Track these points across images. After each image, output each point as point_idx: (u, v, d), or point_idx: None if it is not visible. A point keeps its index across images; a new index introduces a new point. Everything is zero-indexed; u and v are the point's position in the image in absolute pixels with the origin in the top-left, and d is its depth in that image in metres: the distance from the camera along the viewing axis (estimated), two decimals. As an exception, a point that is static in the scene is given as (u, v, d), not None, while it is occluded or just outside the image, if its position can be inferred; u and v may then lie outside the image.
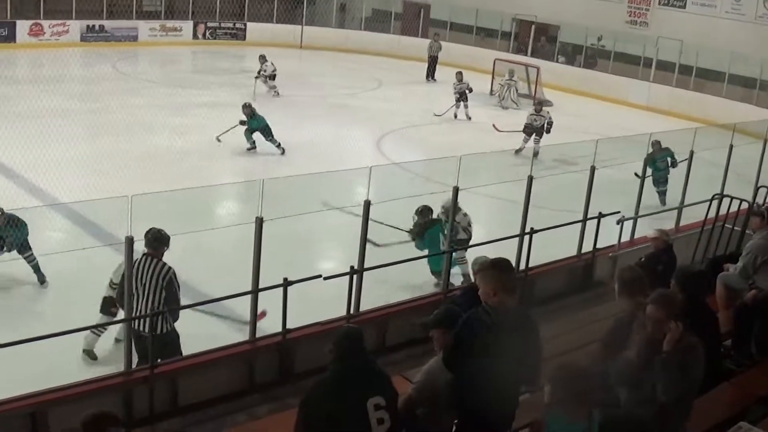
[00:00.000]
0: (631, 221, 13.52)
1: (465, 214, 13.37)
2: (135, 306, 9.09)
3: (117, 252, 12.37)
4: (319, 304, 10.61)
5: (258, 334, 9.69)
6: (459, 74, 27.83)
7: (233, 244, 12.63)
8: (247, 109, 21.87)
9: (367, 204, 10.20)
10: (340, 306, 10.37)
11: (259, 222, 9.11)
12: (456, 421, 6.39)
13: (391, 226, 13.18)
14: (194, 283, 11.90)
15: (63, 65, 32.53)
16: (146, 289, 9.25)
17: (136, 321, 9.12)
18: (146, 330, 9.07)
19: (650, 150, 16.59)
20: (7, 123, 21.57)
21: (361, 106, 28.49)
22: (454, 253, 12.13)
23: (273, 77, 28.98)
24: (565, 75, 34.29)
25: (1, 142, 19.31)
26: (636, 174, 14.20)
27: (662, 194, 18.33)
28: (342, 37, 40.12)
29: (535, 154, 21.60)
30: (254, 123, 21.73)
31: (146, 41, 37.40)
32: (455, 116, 27.16)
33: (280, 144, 21.92)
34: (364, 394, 5.71)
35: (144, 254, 9.28)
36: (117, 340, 10.67)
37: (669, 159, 18.20)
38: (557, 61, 35.86)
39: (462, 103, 27.34)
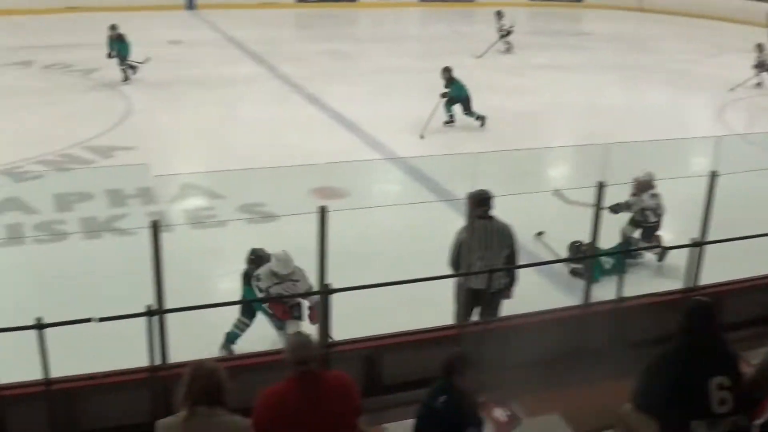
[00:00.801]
0: None
1: (654, 195, 11.97)
2: (475, 264, 9.16)
3: (452, 209, 12.73)
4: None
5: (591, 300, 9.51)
6: (759, 45, 25.71)
7: (562, 208, 12.49)
8: (447, 73, 19.22)
9: (713, 175, 9.71)
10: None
11: (600, 186, 8.90)
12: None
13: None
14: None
15: (402, 25, 33.56)
16: (488, 249, 9.29)
17: (474, 279, 9.17)
18: (484, 287, 9.14)
19: None
20: (351, 80, 22.59)
21: (702, 72, 27.27)
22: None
23: (508, 34, 27.98)
24: None
25: (345, 98, 20.33)
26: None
27: None
28: (684, 1, 38.53)
29: None
30: (454, 91, 19.12)
31: (482, 2, 37.71)
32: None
33: (479, 116, 19.29)
34: (708, 372, 5.43)
35: (477, 216, 9.28)
36: None
37: None
38: None
39: (764, 73, 25.05)
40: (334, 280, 7.93)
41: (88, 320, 7.13)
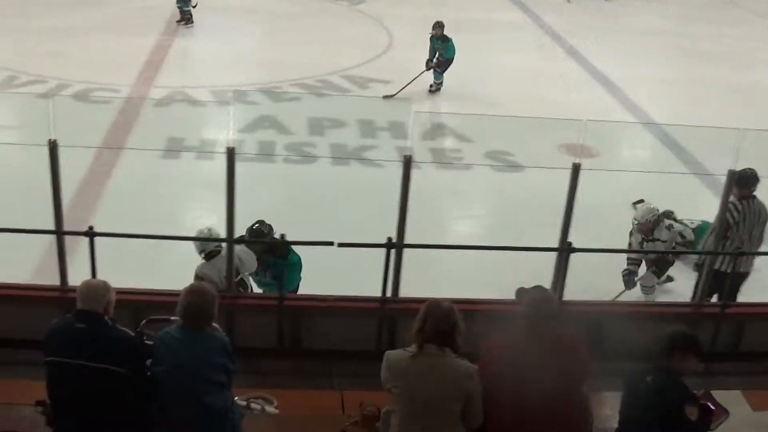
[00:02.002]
0: None
1: (669, 227, 9.89)
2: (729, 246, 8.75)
3: (703, 183, 12.24)
4: None
5: None
6: None
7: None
8: (440, 29, 16.92)
9: None
10: None
11: None
12: None
13: None
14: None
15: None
16: (747, 231, 8.84)
17: (718, 260, 8.76)
18: (724, 269, 8.71)
19: None
20: (614, 36, 21.98)
21: None
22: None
23: None
24: None
25: (605, 55, 19.81)
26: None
27: None
28: None
29: None
30: (449, 52, 16.93)
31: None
32: None
33: (441, 84, 17.16)
34: None
35: (742, 196, 8.81)
36: None
37: None
38: None
39: None
40: (574, 239, 7.76)
41: (330, 243, 7.27)
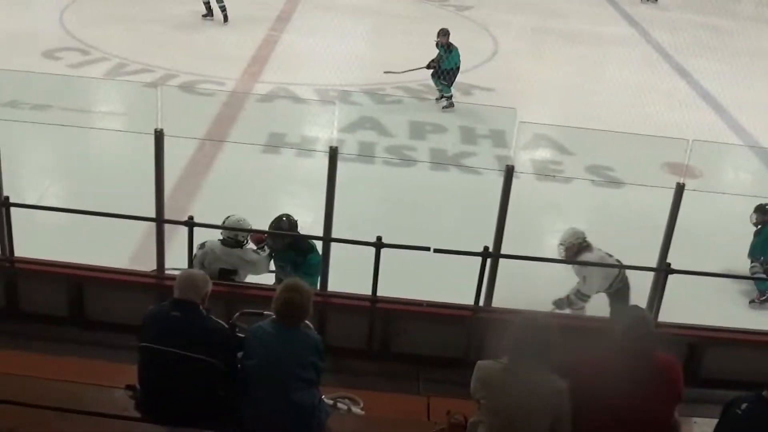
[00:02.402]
0: None
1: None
2: None
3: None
4: None
5: None
6: None
7: None
8: (445, 37, 15.97)
9: None
10: None
11: None
12: None
13: None
14: None
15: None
16: None
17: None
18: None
19: None
20: (724, 57, 21.46)
21: None
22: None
23: None
24: None
25: (714, 75, 19.38)
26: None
27: None
28: None
29: None
30: (450, 61, 15.90)
31: None
32: None
33: (450, 98, 15.98)
34: None
35: None
36: None
37: None
38: None
39: None
40: (673, 260, 7.61)
41: (426, 248, 7.25)
